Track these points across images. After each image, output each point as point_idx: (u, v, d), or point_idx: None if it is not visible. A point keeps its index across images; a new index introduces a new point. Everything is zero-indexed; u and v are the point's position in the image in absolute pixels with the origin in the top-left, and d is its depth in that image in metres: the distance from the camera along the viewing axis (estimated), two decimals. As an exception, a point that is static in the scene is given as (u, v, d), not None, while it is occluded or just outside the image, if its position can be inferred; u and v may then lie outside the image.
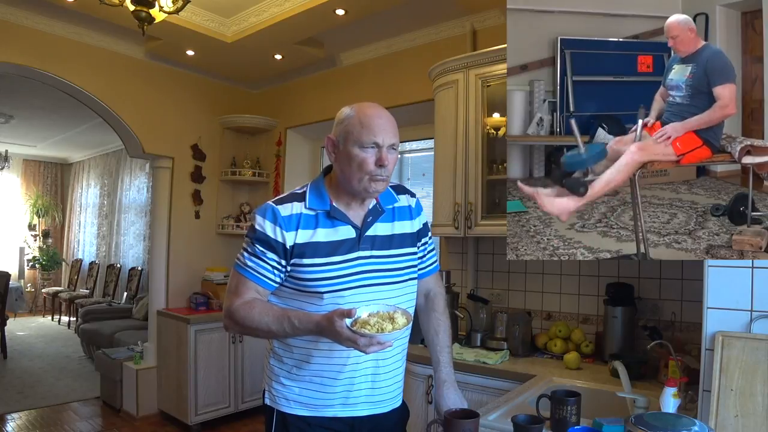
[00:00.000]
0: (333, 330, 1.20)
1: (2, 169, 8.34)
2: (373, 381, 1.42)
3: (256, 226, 1.38)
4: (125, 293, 6.93)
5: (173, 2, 2.54)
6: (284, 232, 1.36)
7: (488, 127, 2.75)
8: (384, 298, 1.40)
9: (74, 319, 7.31)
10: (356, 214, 1.43)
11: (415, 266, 1.52)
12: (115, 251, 7.88)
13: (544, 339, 2.68)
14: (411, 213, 1.54)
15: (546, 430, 1.37)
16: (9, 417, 4.06)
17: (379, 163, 1.33)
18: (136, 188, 7.50)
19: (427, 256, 1.60)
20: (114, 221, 7.97)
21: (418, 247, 1.55)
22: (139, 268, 6.80)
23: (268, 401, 1.45)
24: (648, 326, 2.34)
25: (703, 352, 1.44)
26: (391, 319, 1.23)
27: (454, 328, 2.63)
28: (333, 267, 1.37)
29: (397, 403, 1.52)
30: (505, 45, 2.63)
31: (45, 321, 8.36)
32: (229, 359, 4.00)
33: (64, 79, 3.61)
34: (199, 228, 4.39)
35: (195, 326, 3.80)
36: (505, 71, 2.64)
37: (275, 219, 1.36)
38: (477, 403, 2.22)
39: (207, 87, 4.42)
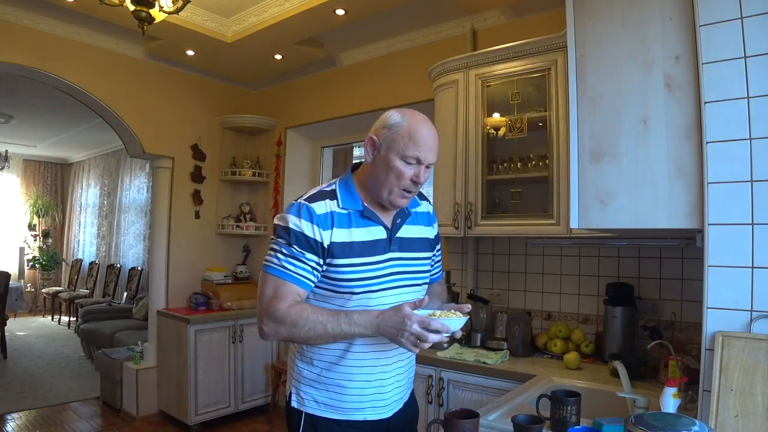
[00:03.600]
0: (399, 317, 1.19)
1: (2, 169, 8.34)
2: (397, 381, 1.46)
3: (292, 226, 1.33)
4: (125, 293, 6.93)
5: (173, 2, 2.54)
6: (321, 230, 1.33)
7: (488, 127, 2.75)
8: (403, 301, 1.40)
9: (74, 319, 7.31)
10: (386, 214, 1.43)
11: (429, 271, 1.55)
12: (115, 251, 7.88)
13: (544, 339, 2.68)
14: (430, 219, 1.57)
15: (546, 430, 1.37)
16: (9, 417, 4.06)
17: (415, 179, 1.34)
18: (136, 188, 7.50)
19: (437, 264, 1.64)
20: (114, 221, 7.97)
21: (433, 254, 1.57)
22: (139, 268, 6.80)
23: (295, 404, 1.44)
24: (648, 326, 2.33)
25: (703, 352, 1.44)
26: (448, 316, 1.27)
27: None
28: (369, 267, 1.37)
29: (407, 399, 1.55)
30: (505, 45, 2.64)
31: (45, 321, 8.36)
32: (229, 359, 4.00)
33: (64, 79, 3.61)
34: (199, 228, 4.38)
35: (195, 326, 3.80)
36: (505, 71, 2.65)
37: (311, 218, 1.33)
38: (477, 403, 2.23)
39: (207, 87, 4.42)
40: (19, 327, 7.61)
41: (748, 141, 1.41)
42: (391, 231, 1.42)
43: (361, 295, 1.36)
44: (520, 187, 2.70)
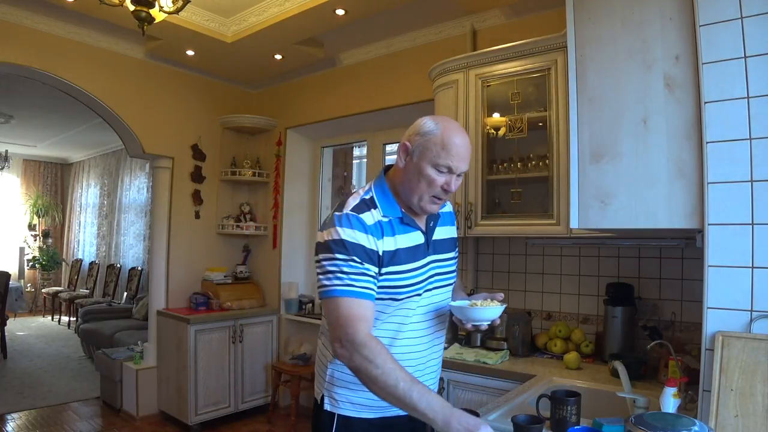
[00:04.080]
0: (474, 420, 1.12)
1: (2, 169, 8.34)
2: (431, 377, 1.50)
3: (348, 239, 1.28)
4: (125, 293, 6.93)
5: (173, 2, 2.54)
6: (376, 240, 1.32)
7: (488, 127, 2.75)
8: (439, 302, 1.45)
9: (74, 319, 7.31)
10: (420, 218, 1.44)
11: (455, 271, 1.56)
12: (115, 251, 7.88)
13: (544, 339, 2.68)
14: (452, 218, 1.59)
15: (546, 430, 1.37)
16: (9, 417, 4.06)
17: (445, 187, 1.34)
18: (136, 188, 7.50)
19: (456, 260, 1.65)
20: (114, 221, 7.97)
21: (455, 251, 1.59)
22: (139, 268, 6.80)
23: (328, 407, 1.43)
24: (648, 326, 2.34)
25: (703, 352, 1.44)
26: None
27: (453, 329, 2.64)
28: (415, 273, 1.38)
29: None
30: (505, 45, 2.64)
31: (45, 321, 8.36)
32: (229, 359, 4.00)
33: (64, 79, 3.61)
34: (199, 228, 4.38)
35: (195, 326, 3.80)
36: (505, 71, 2.65)
37: (365, 228, 1.31)
38: (477, 403, 2.23)
39: (207, 87, 4.42)
40: (19, 327, 7.61)
41: (748, 141, 1.41)
42: (427, 234, 1.44)
43: (403, 301, 1.37)
44: (520, 187, 2.70)
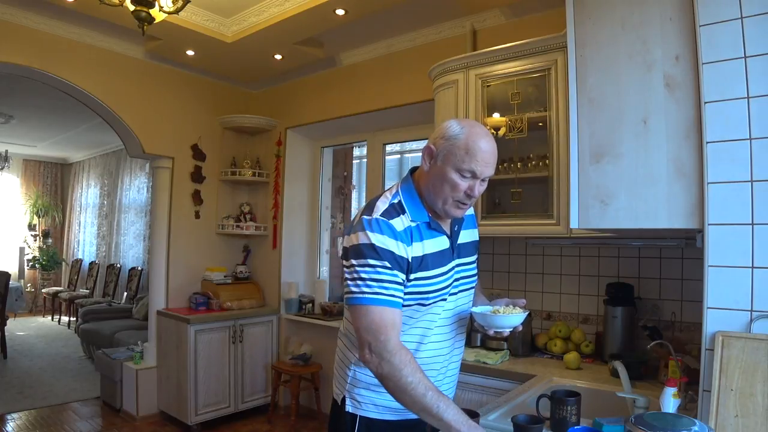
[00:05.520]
0: None
1: (2, 169, 8.34)
2: (451, 380, 1.51)
3: (377, 244, 1.27)
4: (125, 293, 6.93)
5: (173, 2, 2.54)
6: (406, 247, 1.31)
7: (488, 127, 2.75)
8: (462, 305, 1.46)
9: (74, 319, 7.31)
10: (445, 222, 1.44)
11: (477, 273, 1.57)
12: (115, 251, 7.88)
13: (544, 339, 2.69)
14: (474, 221, 1.60)
15: (546, 430, 1.37)
16: (9, 417, 4.06)
17: (469, 193, 1.33)
18: (136, 188, 7.50)
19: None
20: (114, 221, 7.97)
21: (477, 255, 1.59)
22: (139, 268, 6.80)
23: (350, 408, 1.42)
24: (648, 326, 2.34)
25: (703, 352, 1.44)
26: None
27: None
28: (441, 279, 1.37)
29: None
30: (505, 45, 2.64)
31: (45, 321, 8.36)
32: (229, 359, 4.00)
33: (64, 79, 3.61)
34: (199, 228, 4.38)
35: (195, 326, 3.80)
36: (505, 71, 2.65)
37: (395, 235, 1.30)
38: (477, 403, 2.23)
39: (207, 87, 4.42)
40: (19, 327, 7.61)
41: (748, 141, 1.41)
42: (452, 238, 1.43)
43: (430, 306, 1.37)
44: (520, 187, 2.70)
